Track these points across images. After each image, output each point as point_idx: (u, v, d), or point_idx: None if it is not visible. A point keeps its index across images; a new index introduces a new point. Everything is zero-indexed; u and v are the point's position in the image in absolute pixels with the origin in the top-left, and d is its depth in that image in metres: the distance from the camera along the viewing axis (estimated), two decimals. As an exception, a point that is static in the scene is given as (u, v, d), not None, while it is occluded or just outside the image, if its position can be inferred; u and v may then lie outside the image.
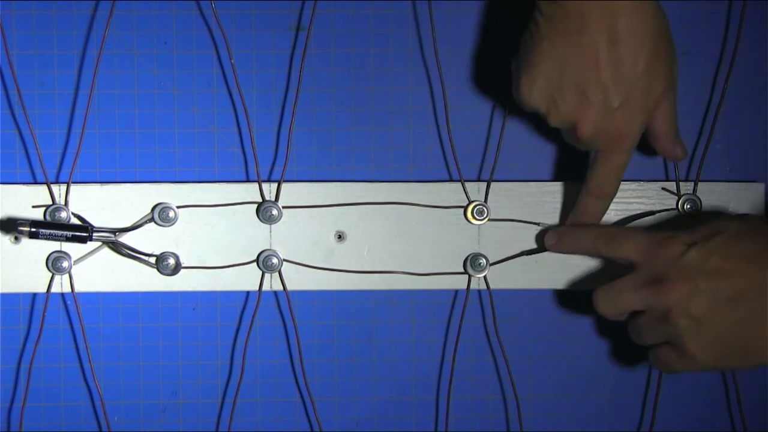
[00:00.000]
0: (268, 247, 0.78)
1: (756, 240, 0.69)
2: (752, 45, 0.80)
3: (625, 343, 0.82)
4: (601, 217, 0.76)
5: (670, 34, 0.70)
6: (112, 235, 0.76)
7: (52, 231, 0.73)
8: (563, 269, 0.80)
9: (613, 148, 0.71)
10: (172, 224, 0.78)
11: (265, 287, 0.78)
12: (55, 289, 0.77)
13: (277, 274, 0.78)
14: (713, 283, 0.69)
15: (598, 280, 0.77)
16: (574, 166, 0.80)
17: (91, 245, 0.76)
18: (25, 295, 0.79)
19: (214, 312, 0.80)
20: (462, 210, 0.79)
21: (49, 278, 0.77)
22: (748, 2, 0.79)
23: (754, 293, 0.68)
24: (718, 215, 0.77)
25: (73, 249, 0.77)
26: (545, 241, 0.78)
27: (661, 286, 0.70)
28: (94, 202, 0.77)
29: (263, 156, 0.79)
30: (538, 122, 0.78)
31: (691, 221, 0.78)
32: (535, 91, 0.71)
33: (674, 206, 0.79)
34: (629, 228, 0.77)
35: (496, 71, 0.80)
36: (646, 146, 0.78)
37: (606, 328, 0.81)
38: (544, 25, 0.69)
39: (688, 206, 0.79)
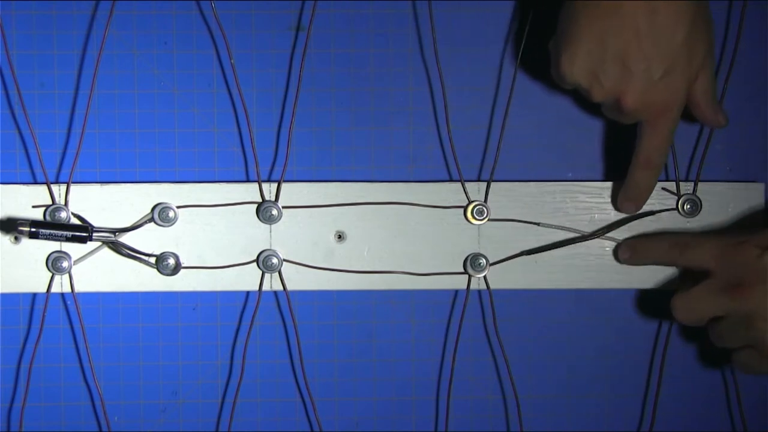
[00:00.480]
0: (268, 247, 0.78)
1: None
2: (752, 45, 0.80)
3: (625, 342, 0.82)
4: (652, 190, 0.76)
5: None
6: (112, 235, 0.76)
7: (52, 231, 0.73)
8: (563, 269, 0.80)
9: (659, 118, 0.71)
10: (172, 224, 0.78)
11: (265, 287, 0.78)
12: (55, 289, 0.77)
13: (277, 274, 0.78)
14: None
15: (599, 281, 0.78)
16: (574, 166, 0.80)
17: (91, 245, 0.76)
18: (25, 295, 0.79)
19: (214, 312, 0.80)
20: (462, 210, 0.79)
21: (49, 278, 0.77)
22: (748, 2, 0.79)
23: None
24: None
25: (73, 249, 0.77)
26: (619, 255, 0.79)
27: (739, 290, 0.70)
28: (94, 202, 0.77)
29: (263, 156, 0.79)
30: (538, 122, 0.78)
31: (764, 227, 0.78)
32: (576, 68, 0.70)
33: (674, 206, 0.79)
34: (701, 235, 0.77)
35: (497, 71, 0.80)
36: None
37: (606, 328, 0.82)
38: (580, 1, 0.69)
39: (688, 206, 0.79)
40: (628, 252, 0.78)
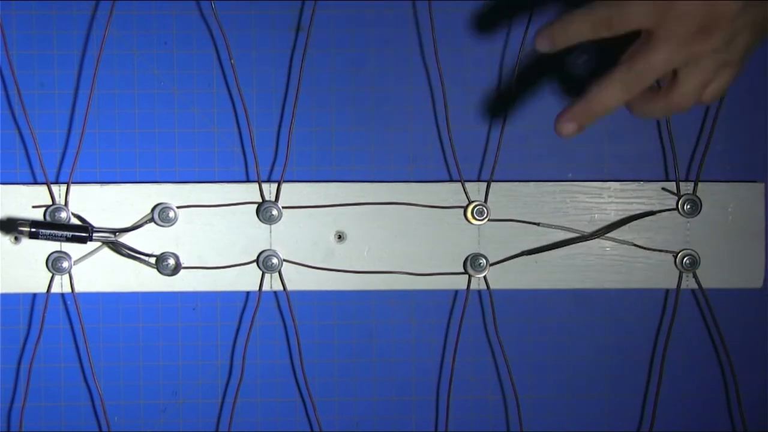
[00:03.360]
0: (268, 248, 0.78)
1: None
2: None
3: (625, 342, 0.82)
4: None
5: None
6: (112, 236, 0.76)
7: (52, 231, 0.73)
8: (563, 269, 0.80)
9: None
10: (172, 224, 0.78)
11: (265, 287, 0.78)
12: (55, 289, 0.77)
13: (277, 274, 0.78)
14: None
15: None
16: (574, 166, 0.80)
17: (91, 245, 0.76)
18: (25, 295, 0.79)
19: (214, 312, 0.80)
20: (462, 210, 0.79)
21: (49, 278, 0.77)
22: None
23: None
24: None
25: (73, 249, 0.77)
26: (537, 44, 0.68)
27: (707, 32, 0.64)
28: (94, 202, 0.77)
29: (263, 156, 0.79)
30: (537, 122, 0.78)
31: None
32: None
33: (674, 206, 0.79)
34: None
35: (497, 71, 0.80)
36: (645, 146, 0.78)
37: (606, 328, 0.82)
38: None
39: (688, 206, 0.79)
40: (546, 38, 0.67)
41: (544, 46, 0.67)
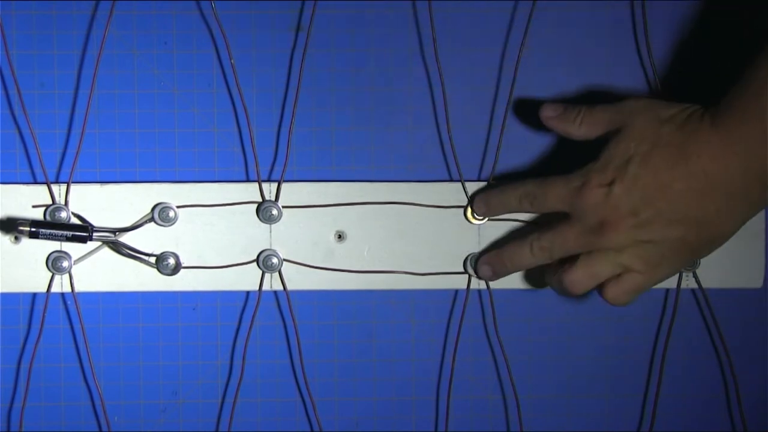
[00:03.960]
0: (268, 247, 0.78)
1: (666, 144, 0.69)
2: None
3: (625, 342, 0.82)
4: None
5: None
6: (112, 235, 0.76)
7: (52, 231, 0.73)
8: (563, 269, 0.80)
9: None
10: (172, 224, 0.78)
11: (265, 287, 0.78)
12: (55, 288, 0.77)
13: (277, 273, 0.78)
14: (650, 206, 0.69)
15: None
16: (574, 166, 0.80)
17: (91, 245, 0.76)
18: (25, 295, 0.79)
19: (214, 312, 0.80)
20: (462, 210, 0.79)
21: (49, 278, 0.77)
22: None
23: (695, 191, 0.68)
24: (613, 134, 0.72)
25: (73, 249, 0.77)
26: (475, 209, 0.78)
27: (604, 230, 0.70)
28: (94, 201, 0.77)
29: (263, 156, 0.79)
30: (537, 122, 0.78)
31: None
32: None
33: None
34: (545, 181, 0.74)
35: (497, 71, 0.80)
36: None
37: (606, 328, 0.81)
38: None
39: (688, 206, 0.79)
40: (483, 207, 0.78)
41: (481, 210, 0.78)
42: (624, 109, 0.72)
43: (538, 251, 0.73)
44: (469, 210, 0.79)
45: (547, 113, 0.75)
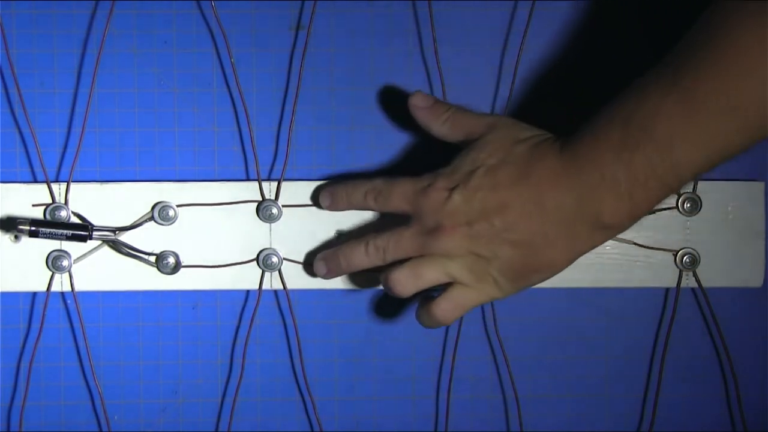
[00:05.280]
0: (268, 246, 0.78)
1: (514, 162, 0.69)
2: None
3: (625, 342, 0.82)
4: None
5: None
6: (112, 234, 0.76)
7: (52, 230, 0.73)
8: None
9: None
10: (172, 223, 0.78)
11: (265, 286, 0.78)
12: (55, 288, 0.77)
13: (277, 272, 0.78)
14: (485, 219, 0.68)
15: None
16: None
17: (91, 244, 0.76)
18: (25, 294, 0.79)
19: (214, 311, 0.80)
20: (462, 209, 0.79)
21: (49, 277, 0.77)
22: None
23: (529, 213, 0.68)
24: (470, 143, 0.72)
25: (73, 248, 0.77)
26: (320, 201, 0.77)
27: (437, 233, 0.69)
28: (94, 200, 0.77)
29: (263, 155, 0.79)
30: (537, 122, 0.78)
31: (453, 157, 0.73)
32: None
33: (674, 204, 0.79)
34: (394, 179, 0.73)
35: (497, 71, 0.80)
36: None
37: (606, 328, 0.82)
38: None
39: (688, 205, 0.79)
40: (327, 199, 0.77)
41: (325, 202, 0.77)
42: (488, 121, 0.72)
43: (373, 251, 0.72)
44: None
45: (417, 102, 0.75)
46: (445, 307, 0.71)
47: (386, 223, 0.76)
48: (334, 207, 0.77)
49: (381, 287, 0.79)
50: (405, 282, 0.71)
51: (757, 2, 0.62)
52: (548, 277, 0.70)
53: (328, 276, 0.76)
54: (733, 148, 0.64)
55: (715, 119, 0.63)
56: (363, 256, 0.73)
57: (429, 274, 0.70)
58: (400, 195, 0.72)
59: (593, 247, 0.69)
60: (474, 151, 0.71)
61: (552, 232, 0.68)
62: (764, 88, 0.62)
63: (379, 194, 0.73)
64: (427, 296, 0.72)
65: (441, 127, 0.74)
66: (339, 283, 0.79)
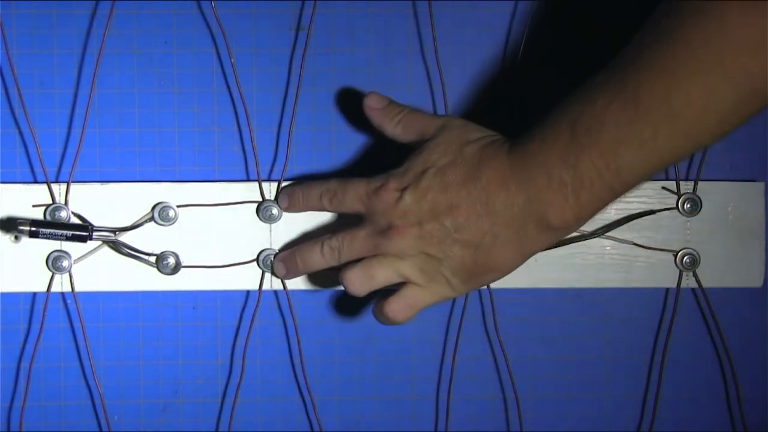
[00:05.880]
0: (268, 247, 0.78)
1: (463, 162, 0.69)
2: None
3: (625, 342, 0.82)
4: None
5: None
6: (112, 235, 0.76)
7: (52, 230, 0.73)
8: (563, 268, 0.80)
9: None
10: (172, 223, 0.78)
11: (266, 286, 0.78)
12: (55, 288, 0.77)
13: (277, 273, 0.78)
14: (436, 220, 0.68)
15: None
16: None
17: (91, 244, 0.76)
18: (25, 294, 0.79)
19: (214, 311, 0.80)
20: (462, 209, 0.79)
21: (49, 278, 0.77)
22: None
23: (478, 213, 0.68)
24: (422, 144, 0.72)
25: (73, 248, 0.77)
26: (279, 202, 0.77)
27: (389, 233, 0.70)
28: (94, 201, 0.77)
29: (263, 155, 0.79)
30: (537, 122, 0.78)
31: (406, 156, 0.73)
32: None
33: (674, 205, 0.79)
34: (348, 180, 0.73)
35: (497, 71, 0.80)
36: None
37: (606, 328, 0.82)
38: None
39: (688, 205, 0.79)
40: (286, 201, 0.77)
41: (284, 204, 0.77)
42: (440, 122, 0.72)
43: (328, 251, 0.73)
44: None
45: (371, 103, 0.75)
46: (396, 308, 0.71)
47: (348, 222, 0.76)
48: (291, 208, 0.77)
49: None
50: (358, 282, 0.71)
51: (700, 2, 0.62)
52: (500, 277, 0.70)
53: (287, 277, 0.77)
54: (678, 153, 0.64)
55: (659, 126, 0.63)
56: (319, 257, 0.73)
57: (381, 275, 0.71)
58: (354, 195, 0.72)
59: (542, 248, 0.69)
60: (425, 152, 0.71)
61: (502, 233, 0.68)
62: (704, 93, 0.62)
63: (334, 195, 0.73)
64: (385, 294, 0.72)
65: (394, 128, 0.74)
66: (339, 283, 0.79)
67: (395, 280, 0.71)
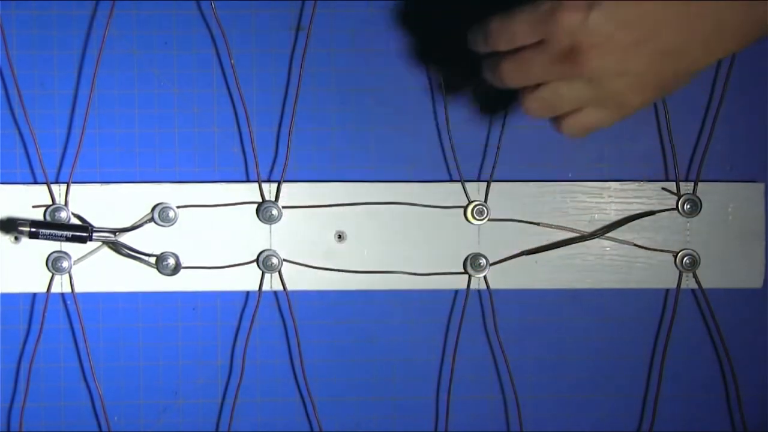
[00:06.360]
0: (268, 247, 0.78)
1: None
2: (752, 45, 0.80)
3: (625, 342, 0.82)
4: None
5: None
6: (112, 235, 0.76)
7: (52, 231, 0.73)
8: (563, 269, 0.80)
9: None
10: (172, 224, 0.78)
11: (265, 287, 0.78)
12: (55, 289, 0.77)
13: (277, 274, 0.78)
14: (632, 32, 0.63)
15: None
16: (574, 166, 0.80)
17: (91, 245, 0.76)
18: (25, 295, 0.79)
19: (214, 312, 0.80)
20: (462, 210, 0.79)
21: (49, 278, 0.77)
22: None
23: (675, 20, 0.62)
24: None
25: (73, 249, 0.77)
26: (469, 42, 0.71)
27: (577, 58, 0.64)
28: (94, 201, 0.77)
29: (263, 156, 0.79)
30: (538, 122, 0.78)
31: None
32: None
33: (674, 206, 0.79)
34: (506, 15, 0.67)
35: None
36: (645, 146, 0.78)
37: (606, 328, 0.82)
38: None
39: (688, 206, 0.79)
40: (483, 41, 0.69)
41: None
42: None
43: (514, 73, 0.67)
44: (469, 210, 0.79)
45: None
46: (577, 128, 0.68)
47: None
48: (485, 46, 0.69)
49: (381, 287, 0.79)
50: (540, 105, 0.67)
51: None
52: (692, 79, 0.66)
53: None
54: None
55: None
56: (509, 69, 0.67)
57: (567, 101, 0.66)
58: (524, 24, 0.65)
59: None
60: None
61: (710, 35, 0.63)
62: None
63: (500, 29, 0.67)
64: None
65: None
66: (339, 283, 0.79)
67: (581, 104, 0.67)
